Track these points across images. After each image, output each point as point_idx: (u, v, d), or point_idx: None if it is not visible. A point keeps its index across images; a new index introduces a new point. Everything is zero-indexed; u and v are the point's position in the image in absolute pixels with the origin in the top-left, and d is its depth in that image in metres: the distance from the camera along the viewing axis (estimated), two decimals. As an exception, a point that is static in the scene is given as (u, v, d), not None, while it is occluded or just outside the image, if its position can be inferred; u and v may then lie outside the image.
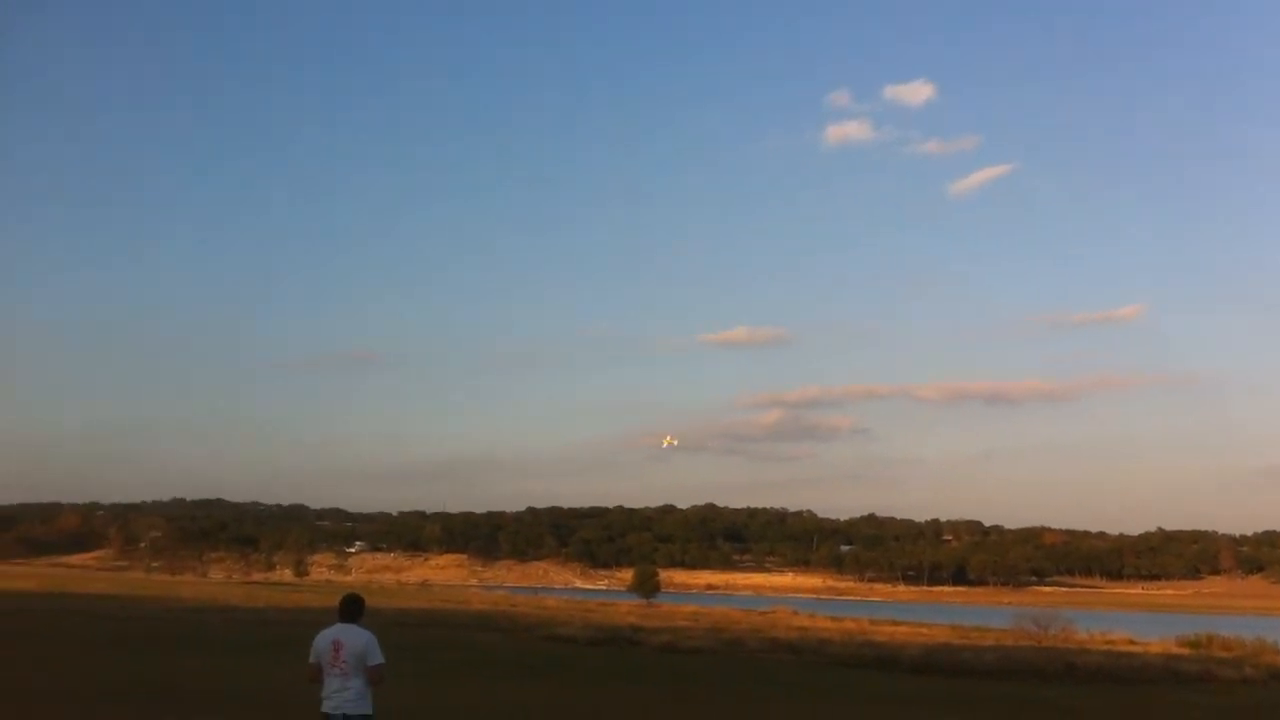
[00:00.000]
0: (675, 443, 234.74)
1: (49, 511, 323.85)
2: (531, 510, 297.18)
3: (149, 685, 23.28)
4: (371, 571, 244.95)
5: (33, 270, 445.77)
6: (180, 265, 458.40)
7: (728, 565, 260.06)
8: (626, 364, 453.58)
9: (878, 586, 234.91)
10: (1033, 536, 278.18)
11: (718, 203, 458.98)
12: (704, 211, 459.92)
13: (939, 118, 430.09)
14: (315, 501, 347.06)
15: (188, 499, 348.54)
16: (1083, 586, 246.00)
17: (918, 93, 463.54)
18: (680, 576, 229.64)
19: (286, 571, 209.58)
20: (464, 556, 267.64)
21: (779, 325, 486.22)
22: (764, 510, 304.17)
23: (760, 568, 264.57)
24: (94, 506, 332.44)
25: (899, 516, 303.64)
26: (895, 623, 71.59)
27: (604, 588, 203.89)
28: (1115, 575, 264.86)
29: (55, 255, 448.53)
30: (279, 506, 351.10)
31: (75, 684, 22.99)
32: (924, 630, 64.21)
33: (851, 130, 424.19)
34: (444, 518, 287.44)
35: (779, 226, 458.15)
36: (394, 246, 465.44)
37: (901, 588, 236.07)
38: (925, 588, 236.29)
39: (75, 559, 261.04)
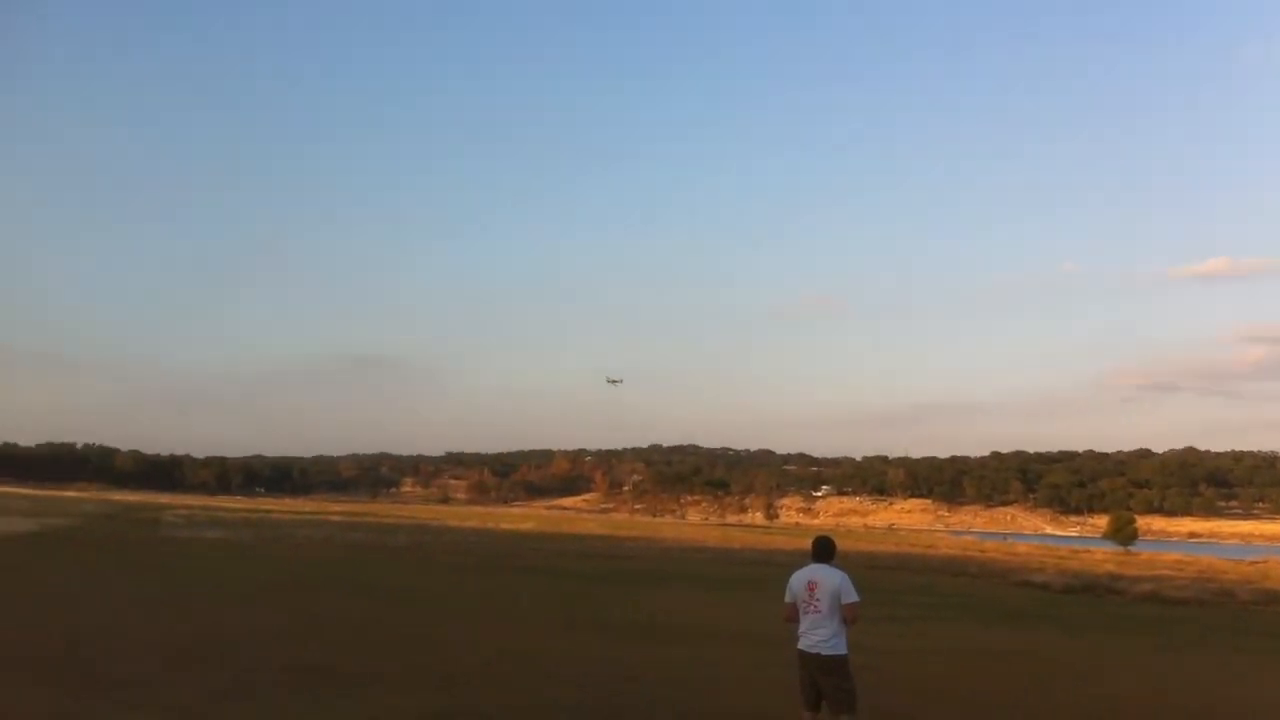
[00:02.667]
0: (620, 380, 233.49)
1: (543, 458, 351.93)
2: (997, 455, 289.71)
3: (632, 619, 25.07)
4: (838, 515, 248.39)
5: (518, 226, 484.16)
6: (666, 223, 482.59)
7: (1211, 512, 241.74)
8: (1094, 301, 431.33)
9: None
10: None
11: (1189, 125, 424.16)
12: (1175, 136, 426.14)
13: None
14: (781, 446, 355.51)
15: (663, 445, 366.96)
16: None
17: None
18: (1159, 524, 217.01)
19: (757, 514, 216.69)
20: (928, 501, 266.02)
21: (1264, 255, 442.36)
22: (1251, 454, 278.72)
23: (1248, 515, 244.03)
24: (582, 452, 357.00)
25: None
26: None
27: (1075, 534, 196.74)
28: None
29: (548, 212, 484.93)
30: (747, 451, 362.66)
31: (558, 614, 25.17)
32: None
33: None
34: (908, 462, 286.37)
35: (1259, 148, 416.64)
36: (859, 191, 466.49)
37: None
38: None
39: (567, 501, 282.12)
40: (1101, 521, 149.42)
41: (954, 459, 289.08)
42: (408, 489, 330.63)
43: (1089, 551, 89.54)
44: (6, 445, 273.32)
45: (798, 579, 10.44)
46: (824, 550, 10.59)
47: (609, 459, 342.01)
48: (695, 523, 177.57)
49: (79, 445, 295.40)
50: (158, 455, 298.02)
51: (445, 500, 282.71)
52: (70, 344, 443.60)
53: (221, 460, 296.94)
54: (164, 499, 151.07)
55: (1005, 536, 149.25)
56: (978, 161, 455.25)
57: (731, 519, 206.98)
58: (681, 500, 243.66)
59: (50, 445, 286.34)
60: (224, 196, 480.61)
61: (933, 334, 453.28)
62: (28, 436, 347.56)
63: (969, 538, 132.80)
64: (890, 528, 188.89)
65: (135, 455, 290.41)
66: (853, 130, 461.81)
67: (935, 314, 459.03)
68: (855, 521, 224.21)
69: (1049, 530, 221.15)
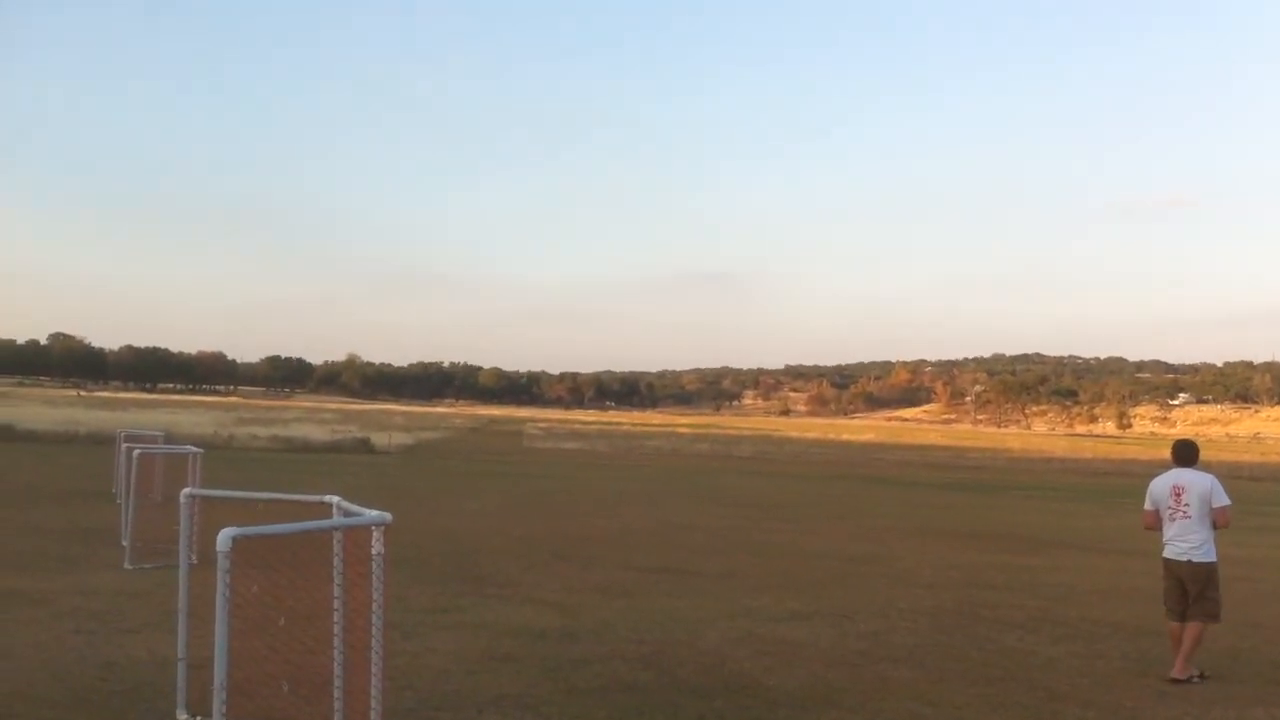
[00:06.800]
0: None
1: (882, 369, 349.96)
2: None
3: (981, 528, 24.92)
4: (1197, 424, 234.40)
5: (864, 141, 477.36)
6: (1010, 127, 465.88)
7: None
8: None
9: None
10: None
11: None
12: None
13: None
14: (1133, 353, 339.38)
15: (1006, 354, 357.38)
16: None
17: None
18: None
19: (1108, 424, 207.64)
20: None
21: None
22: None
23: None
24: (921, 363, 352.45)
25: None
26: None
27: None
28: None
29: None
30: (1096, 359, 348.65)
31: (906, 522, 25.28)
32: None
33: None
34: (1275, 367, 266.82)
35: None
36: (1209, 83, 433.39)
37: None
38: None
39: (907, 412, 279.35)
40: None
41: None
42: (749, 401, 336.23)
43: None
44: (383, 365, 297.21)
45: (1160, 484, 10.13)
46: (1187, 453, 10.21)
47: (950, 369, 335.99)
48: (1042, 433, 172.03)
49: (445, 364, 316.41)
50: (516, 372, 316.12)
51: (785, 412, 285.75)
52: (434, 265, 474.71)
53: (574, 375, 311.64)
54: (523, 413, 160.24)
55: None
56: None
57: (1080, 429, 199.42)
58: (1026, 410, 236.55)
59: (421, 364, 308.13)
60: (584, 120, 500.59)
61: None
62: (401, 356, 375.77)
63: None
64: (1256, 437, 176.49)
65: (496, 372, 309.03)
66: (1208, 20, 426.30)
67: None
68: (1216, 431, 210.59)
69: None
